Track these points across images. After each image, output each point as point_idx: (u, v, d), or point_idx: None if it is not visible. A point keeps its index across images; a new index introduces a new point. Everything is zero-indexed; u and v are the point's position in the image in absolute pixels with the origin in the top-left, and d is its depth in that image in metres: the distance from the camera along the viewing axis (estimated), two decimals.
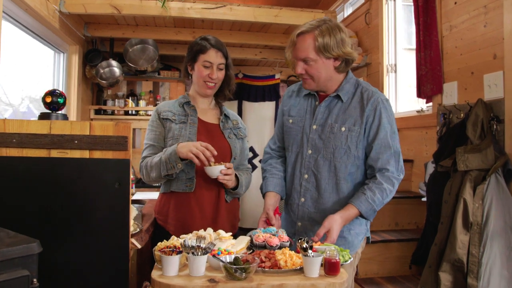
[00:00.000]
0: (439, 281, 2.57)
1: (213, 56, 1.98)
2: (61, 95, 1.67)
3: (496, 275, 2.46)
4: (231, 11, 3.30)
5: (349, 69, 1.92)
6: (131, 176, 3.58)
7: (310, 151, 1.88)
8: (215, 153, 1.83)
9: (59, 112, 1.68)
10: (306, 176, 1.89)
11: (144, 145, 2.05)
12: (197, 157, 1.79)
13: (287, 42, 1.87)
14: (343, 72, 1.88)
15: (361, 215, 1.78)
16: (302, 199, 1.91)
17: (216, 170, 1.86)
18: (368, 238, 2.00)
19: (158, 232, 2.02)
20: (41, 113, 1.66)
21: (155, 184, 2.08)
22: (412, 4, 3.77)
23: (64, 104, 1.68)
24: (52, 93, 1.66)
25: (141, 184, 3.76)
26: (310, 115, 1.91)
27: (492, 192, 2.56)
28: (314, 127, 1.88)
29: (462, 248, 2.54)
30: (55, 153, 1.56)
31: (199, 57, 1.99)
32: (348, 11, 5.56)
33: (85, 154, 1.57)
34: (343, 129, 1.82)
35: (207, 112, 2.09)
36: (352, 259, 1.60)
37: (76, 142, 1.56)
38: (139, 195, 3.09)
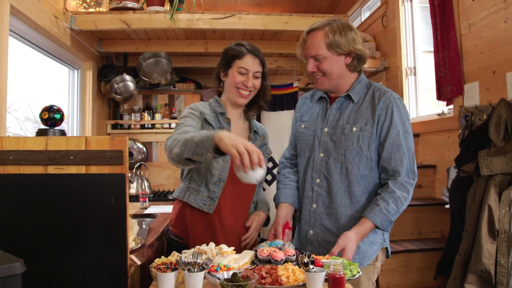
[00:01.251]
0: None
1: (250, 63, 1.84)
2: (58, 111, 1.65)
3: None
4: (240, 20, 3.26)
5: (362, 71, 1.88)
6: (146, 190, 3.59)
7: (321, 154, 1.81)
8: (263, 164, 1.47)
9: (57, 128, 1.66)
10: (318, 180, 1.82)
11: (176, 128, 1.77)
12: (241, 158, 1.42)
13: (298, 42, 1.83)
14: (355, 72, 1.83)
15: (377, 228, 1.69)
16: (314, 205, 1.83)
17: (255, 175, 1.46)
18: (387, 249, 1.89)
19: (174, 242, 1.94)
20: (39, 129, 1.64)
21: (179, 167, 1.77)
22: (428, 5, 3.64)
23: (61, 119, 1.66)
24: (48, 109, 1.64)
25: (157, 198, 3.76)
26: (321, 118, 1.87)
27: None
28: (326, 129, 1.82)
29: (488, 258, 2.39)
30: (51, 169, 1.54)
31: (235, 62, 1.85)
32: (365, 15, 5.45)
33: (82, 169, 1.54)
34: (354, 129, 1.76)
35: (237, 127, 1.95)
36: (361, 273, 1.50)
37: (72, 157, 1.53)
38: (152, 209, 3.07)
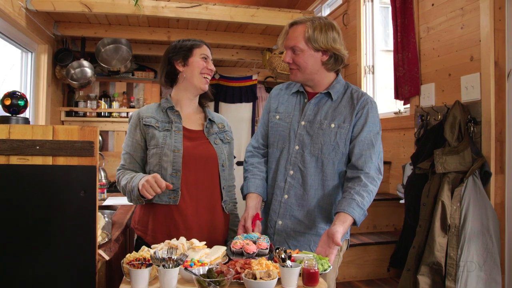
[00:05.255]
0: (418, 285, 2.56)
1: (207, 51, 1.96)
2: (21, 97, 1.56)
3: (474, 277, 2.46)
4: (206, 10, 3.21)
5: (340, 71, 1.93)
6: (103, 181, 3.47)
7: (297, 147, 1.84)
8: (163, 185, 1.69)
9: (20, 115, 1.56)
10: (291, 172, 1.84)
11: (122, 150, 1.94)
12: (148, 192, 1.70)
13: (281, 32, 1.88)
14: (332, 71, 1.88)
15: (354, 222, 1.69)
16: (286, 196, 1.85)
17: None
18: (348, 241, 1.97)
19: (140, 241, 1.89)
20: (0, 116, 1.54)
21: None
22: (389, 5, 3.76)
23: (25, 107, 1.57)
24: (11, 95, 1.54)
25: (114, 189, 3.65)
26: (298, 111, 1.89)
27: (469, 194, 2.55)
28: (303, 123, 1.85)
29: (440, 251, 2.53)
30: (14, 160, 1.45)
31: (195, 51, 1.92)
32: (325, 12, 5.54)
33: (48, 160, 1.47)
34: (332, 125, 1.81)
35: (191, 117, 1.97)
36: (331, 267, 1.54)
37: (37, 147, 1.45)
38: (110, 200, 2.98)
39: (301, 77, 1.86)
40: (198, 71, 1.91)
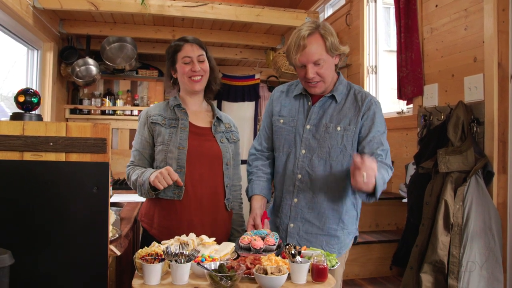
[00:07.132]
0: (420, 283, 2.58)
1: (190, 50, 1.94)
2: (35, 94, 1.58)
3: (476, 275, 2.48)
4: (212, 9, 3.24)
5: (338, 70, 1.94)
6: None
7: (304, 151, 1.85)
8: (175, 177, 1.75)
9: (33, 112, 1.59)
10: (299, 176, 1.85)
11: (132, 147, 2.00)
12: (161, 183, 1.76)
13: (293, 47, 1.77)
14: (336, 70, 1.90)
15: (375, 187, 1.63)
16: (295, 200, 1.87)
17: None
18: (356, 237, 2.00)
19: (146, 235, 1.95)
20: (13, 113, 1.56)
21: None
22: (391, 6, 3.79)
23: (38, 104, 1.59)
24: (25, 92, 1.57)
25: (119, 186, 3.68)
26: (303, 115, 1.89)
27: (472, 193, 2.58)
28: (308, 127, 1.85)
29: (443, 249, 2.56)
30: (28, 156, 1.48)
31: (177, 56, 1.95)
32: (328, 12, 5.56)
33: (61, 157, 1.49)
34: (338, 128, 1.82)
35: (198, 114, 2.00)
36: (339, 263, 1.57)
37: (51, 144, 1.48)
38: (116, 197, 3.00)
39: (324, 88, 1.84)
40: (184, 75, 1.95)
